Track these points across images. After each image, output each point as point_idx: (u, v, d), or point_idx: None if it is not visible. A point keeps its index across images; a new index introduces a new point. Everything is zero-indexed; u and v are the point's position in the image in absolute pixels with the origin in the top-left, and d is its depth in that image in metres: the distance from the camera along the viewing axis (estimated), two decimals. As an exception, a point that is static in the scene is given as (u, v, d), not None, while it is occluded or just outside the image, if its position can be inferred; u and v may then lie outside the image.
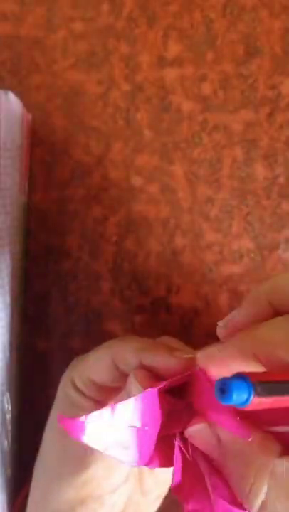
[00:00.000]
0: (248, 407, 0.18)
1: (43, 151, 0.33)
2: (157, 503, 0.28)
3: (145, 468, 0.27)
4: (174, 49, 0.33)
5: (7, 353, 0.29)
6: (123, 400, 0.23)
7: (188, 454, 0.22)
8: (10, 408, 0.29)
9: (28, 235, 0.33)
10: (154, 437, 0.22)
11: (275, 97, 0.33)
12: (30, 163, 0.33)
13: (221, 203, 0.33)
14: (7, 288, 0.29)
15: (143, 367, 0.24)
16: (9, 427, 0.29)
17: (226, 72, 0.33)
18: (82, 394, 0.27)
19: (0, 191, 0.28)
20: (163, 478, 0.28)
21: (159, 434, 0.22)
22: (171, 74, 0.33)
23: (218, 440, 0.21)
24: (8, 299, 0.29)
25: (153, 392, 0.22)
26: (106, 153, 0.33)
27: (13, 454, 0.30)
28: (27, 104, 0.32)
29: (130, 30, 0.33)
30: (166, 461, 0.22)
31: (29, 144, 0.33)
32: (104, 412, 0.21)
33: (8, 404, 0.29)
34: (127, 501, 0.26)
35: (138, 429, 0.21)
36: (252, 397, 0.18)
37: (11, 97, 0.28)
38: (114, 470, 0.24)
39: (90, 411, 0.26)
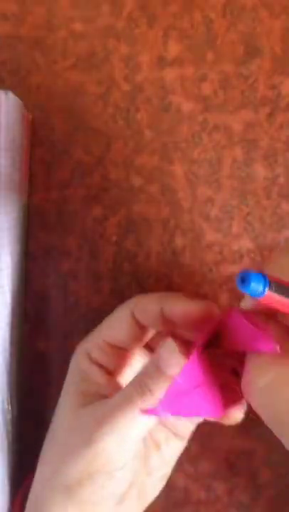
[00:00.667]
0: (263, 300, 0.21)
1: (43, 151, 0.33)
2: (162, 484, 0.28)
3: (151, 448, 0.27)
4: (174, 49, 0.33)
5: (7, 353, 0.29)
6: (153, 364, 0.24)
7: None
8: (10, 408, 0.29)
9: (28, 235, 0.33)
10: (217, 388, 0.25)
11: (275, 97, 0.33)
12: (30, 163, 0.33)
13: (221, 203, 0.33)
14: (7, 288, 0.29)
15: (163, 318, 0.26)
16: (9, 427, 0.29)
17: (225, 72, 0.33)
18: (96, 364, 0.27)
19: (0, 191, 0.28)
20: (168, 457, 0.28)
21: (217, 383, 0.25)
22: (171, 74, 0.33)
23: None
24: (8, 299, 0.29)
25: (196, 354, 0.24)
26: (106, 153, 0.33)
27: (13, 453, 0.30)
28: (27, 104, 0.32)
29: (130, 30, 0.33)
30: (231, 402, 0.25)
31: (29, 144, 0.33)
32: (172, 385, 0.23)
33: (8, 404, 0.29)
34: (132, 481, 0.26)
35: (203, 388, 0.24)
36: (266, 291, 0.20)
37: (11, 97, 0.28)
38: (126, 444, 0.24)
39: (103, 385, 0.28)
